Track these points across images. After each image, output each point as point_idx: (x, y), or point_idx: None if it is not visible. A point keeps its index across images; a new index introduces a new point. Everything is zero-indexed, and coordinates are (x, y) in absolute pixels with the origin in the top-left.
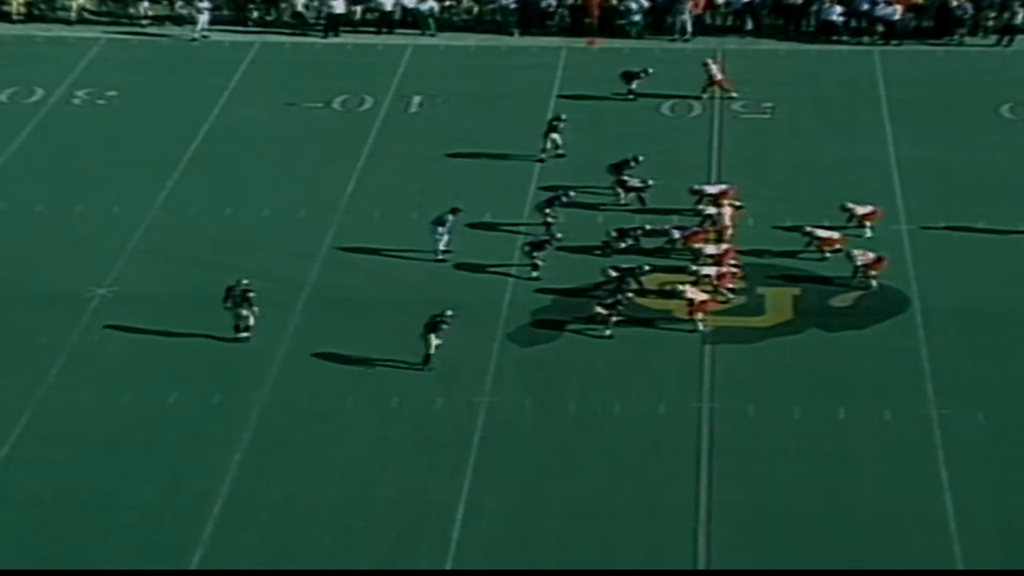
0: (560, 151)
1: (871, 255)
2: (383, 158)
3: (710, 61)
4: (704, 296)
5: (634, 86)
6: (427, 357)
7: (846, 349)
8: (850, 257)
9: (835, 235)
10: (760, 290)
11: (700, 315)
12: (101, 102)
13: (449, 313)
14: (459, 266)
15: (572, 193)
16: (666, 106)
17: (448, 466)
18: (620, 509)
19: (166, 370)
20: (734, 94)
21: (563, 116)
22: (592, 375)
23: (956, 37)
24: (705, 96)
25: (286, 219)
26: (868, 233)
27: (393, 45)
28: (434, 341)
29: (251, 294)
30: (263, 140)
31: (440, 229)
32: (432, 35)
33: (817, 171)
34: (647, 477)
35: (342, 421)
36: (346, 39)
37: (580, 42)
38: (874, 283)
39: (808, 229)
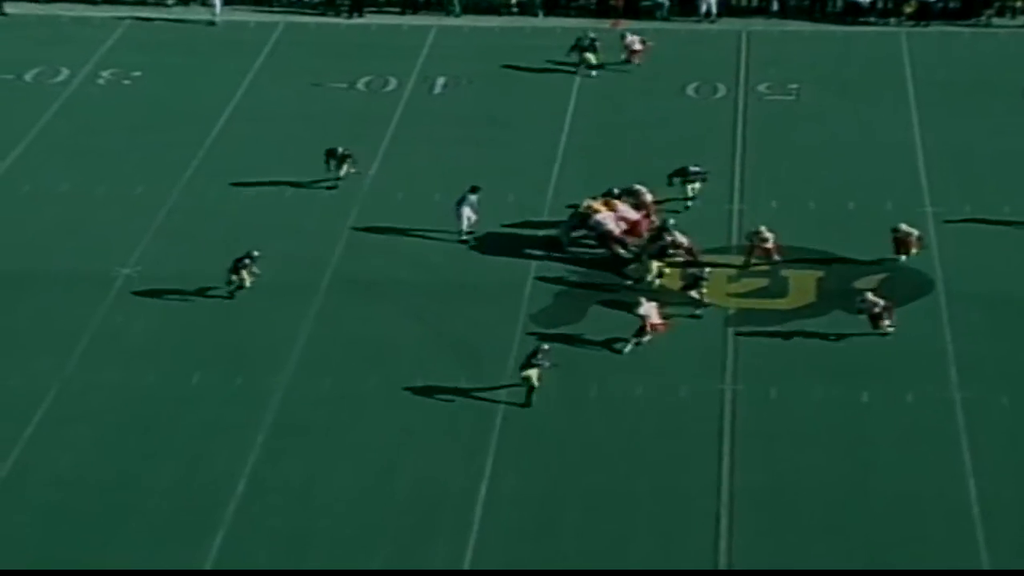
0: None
1: (881, 303)
2: (407, 140)
3: (628, 34)
4: (658, 321)
5: (592, 60)
6: (530, 391)
7: (869, 331)
8: (863, 301)
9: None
10: (783, 272)
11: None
12: (126, 82)
13: (545, 347)
14: (482, 248)
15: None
16: (691, 87)
17: (469, 450)
18: (641, 492)
19: (189, 352)
20: (636, 62)
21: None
22: (614, 357)
23: (984, 18)
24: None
25: (309, 200)
26: (903, 259)
27: (417, 26)
28: (535, 376)
29: (248, 262)
30: (287, 121)
31: (463, 209)
32: (456, 16)
33: (842, 154)
34: (669, 460)
35: (364, 404)
36: (371, 20)
37: (605, 23)
38: (890, 328)
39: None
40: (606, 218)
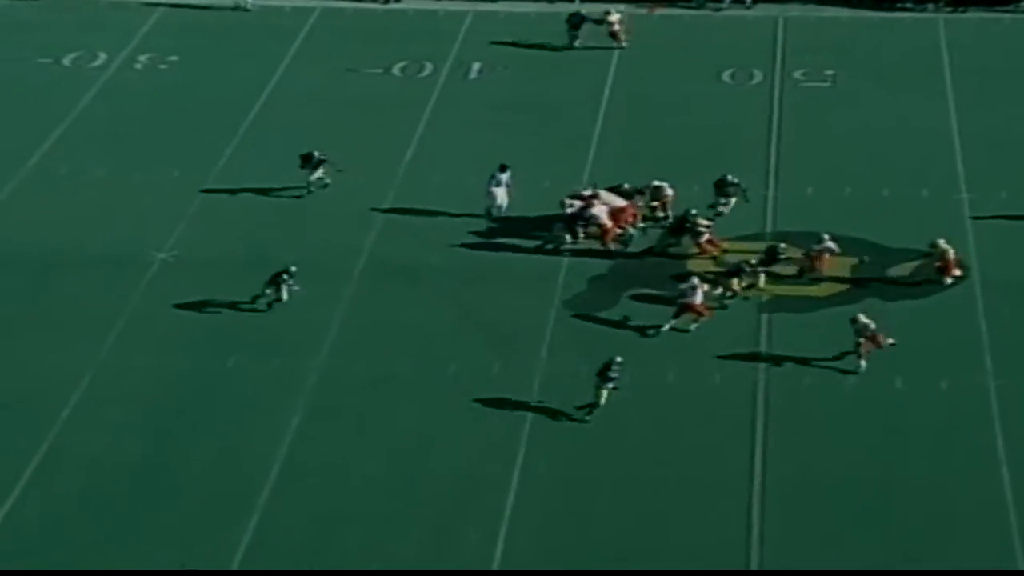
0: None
1: (872, 325)
2: (442, 125)
3: (608, 15)
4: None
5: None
6: (592, 406)
7: (903, 319)
8: (855, 322)
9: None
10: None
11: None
12: (163, 67)
13: (619, 360)
14: (517, 232)
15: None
16: (726, 73)
17: (503, 434)
18: (673, 479)
19: (225, 335)
20: (624, 44)
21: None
22: (647, 344)
23: (1022, 4)
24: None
25: (344, 185)
26: (947, 280)
27: (453, 12)
28: (604, 392)
29: (287, 276)
30: (322, 106)
31: (493, 189)
32: (492, 1)
33: (877, 140)
34: (701, 447)
35: (398, 388)
36: (407, 5)
37: (641, 9)
38: (863, 363)
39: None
40: (600, 211)
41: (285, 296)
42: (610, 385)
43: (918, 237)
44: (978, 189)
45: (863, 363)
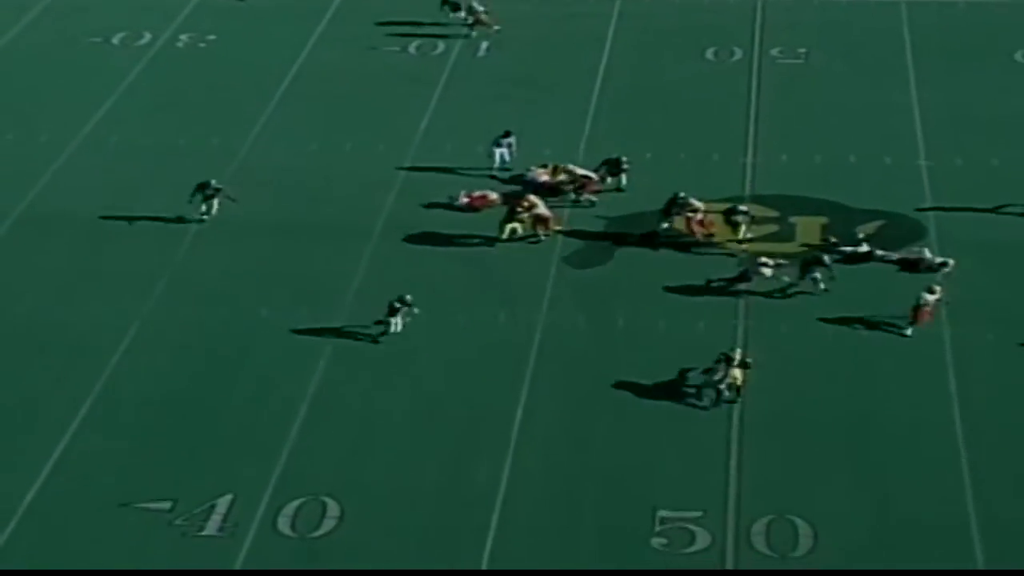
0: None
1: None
2: (453, 98)
3: (475, 3)
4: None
5: (463, 15)
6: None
7: (869, 273)
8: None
9: None
10: (792, 219)
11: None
12: (202, 45)
13: (741, 350)
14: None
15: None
16: (710, 51)
17: (508, 377)
18: (661, 415)
19: (258, 289)
20: (496, 27)
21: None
22: (638, 296)
23: None
24: (474, 34)
25: (366, 153)
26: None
27: None
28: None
29: (401, 307)
30: (345, 82)
31: (496, 149)
32: None
33: (845, 113)
34: (688, 384)
35: (414, 337)
36: None
37: None
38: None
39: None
40: (538, 174)
41: (400, 327)
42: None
43: (882, 199)
44: (935, 157)
45: (909, 331)
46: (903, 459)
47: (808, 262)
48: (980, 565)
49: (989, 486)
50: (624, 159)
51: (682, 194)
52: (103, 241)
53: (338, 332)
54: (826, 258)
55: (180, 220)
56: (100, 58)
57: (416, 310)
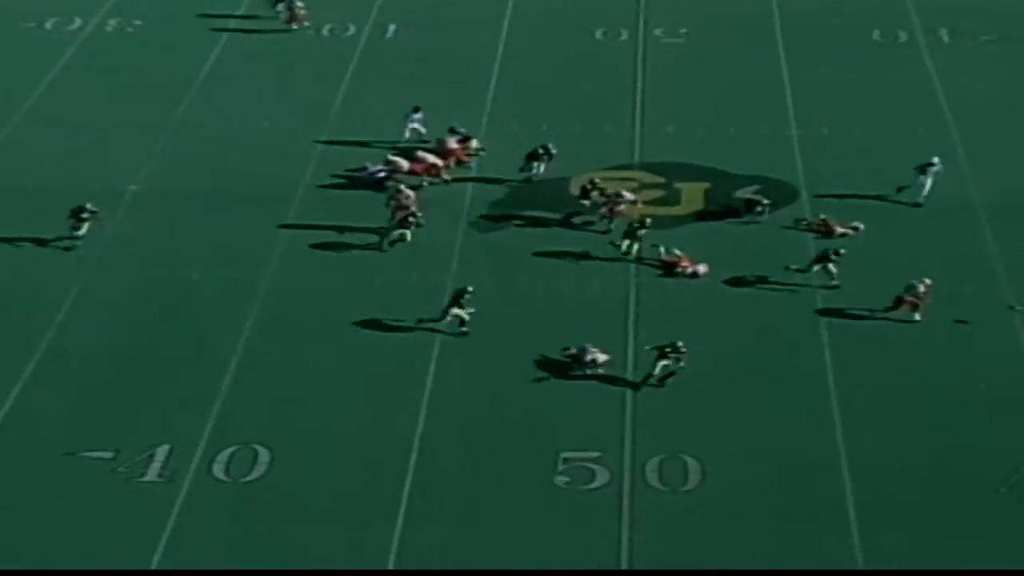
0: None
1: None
2: (364, 77)
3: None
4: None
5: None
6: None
7: (747, 232)
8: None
9: None
10: (677, 185)
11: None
12: (129, 30)
13: (680, 344)
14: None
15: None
16: (599, 32)
17: (422, 334)
18: (563, 367)
19: (189, 254)
20: (307, 24)
21: None
22: (540, 258)
23: None
24: (295, 28)
25: (284, 128)
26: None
27: None
28: (660, 365)
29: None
30: (263, 63)
31: (407, 123)
32: None
33: (723, 88)
34: (584, 334)
35: (337, 296)
36: None
37: None
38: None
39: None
40: (377, 169)
41: (466, 316)
42: (667, 362)
43: (759, 165)
44: (805, 127)
45: (917, 315)
46: (781, 403)
47: (821, 257)
48: (849, 499)
49: (857, 427)
50: (550, 146)
51: (596, 178)
52: (47, 212)
53: (264, 292)
54: (842, 251)
55: (115, 191)
56: (35, 41)
57: (472, 308)
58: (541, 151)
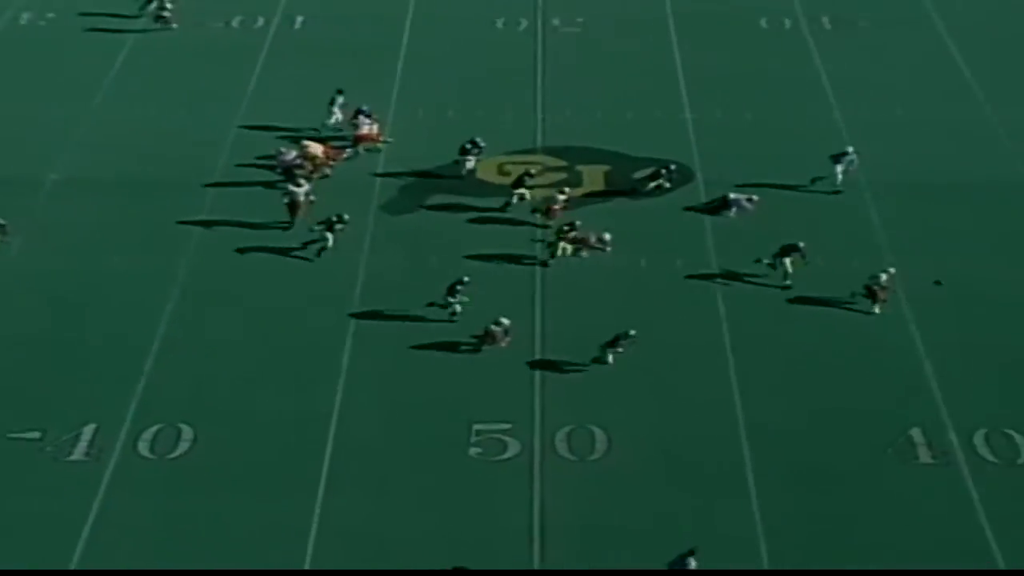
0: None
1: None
2: (276, 66)
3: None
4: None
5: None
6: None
7: (646, 212)
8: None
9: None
10: (578, 167)
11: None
12: (42, 23)
13: (632, 333)
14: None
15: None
16: (500, 21)
17: (337, 313)
18: (474, 342)
19: (108, 240)
20: (174, 26)
21: None
22: (448, 237)
23: None
24: (158, 25)
25: (198, 116)
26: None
27: None
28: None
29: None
30: (177, 54)
31: (332, 108)
32: None
33: (619, 74)
34: (493, 312)
35: (255, 274)
36: None
37: None
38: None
39: None
40: (287, 154)
41: (459, 308)
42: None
43: (655, 148)
44: (698, 111)
45: (877, 308)
46: (681, 374)
47: (786, 249)
48: (748, 464)
49: (754, 396)
50: (479, 139)
51: (532, 171)
52: None
53: (183, 275)
54: (801, 245)
55: (33, 180)
56: None
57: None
58: (470, 145)
